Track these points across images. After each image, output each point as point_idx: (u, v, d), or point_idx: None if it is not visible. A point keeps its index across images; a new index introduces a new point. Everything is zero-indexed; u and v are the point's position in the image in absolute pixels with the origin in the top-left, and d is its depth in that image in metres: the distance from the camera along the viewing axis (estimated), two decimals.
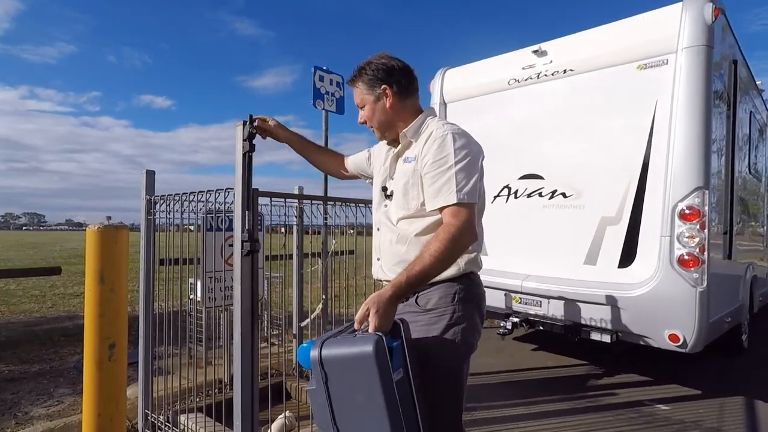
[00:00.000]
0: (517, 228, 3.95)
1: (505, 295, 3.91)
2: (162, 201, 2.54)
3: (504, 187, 4.10)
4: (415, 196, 1.48)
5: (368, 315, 1.25)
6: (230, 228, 2.36)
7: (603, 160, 3.55)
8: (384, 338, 1.19)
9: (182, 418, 2.63)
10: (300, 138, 1.90)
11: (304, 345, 1.25)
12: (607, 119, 3.58)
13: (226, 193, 2.06)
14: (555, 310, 3.64)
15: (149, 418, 2.67)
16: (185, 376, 2.75)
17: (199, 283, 2.83)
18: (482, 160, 1.49)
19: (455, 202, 1.36)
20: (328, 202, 2.56)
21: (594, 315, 3.45)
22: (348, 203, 2.51)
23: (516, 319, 3.82)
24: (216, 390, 3.05)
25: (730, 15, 3.56)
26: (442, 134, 1.43)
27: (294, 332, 3.55)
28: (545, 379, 3.99)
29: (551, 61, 3.88)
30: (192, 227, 2.69)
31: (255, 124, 1.78)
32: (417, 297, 1.46)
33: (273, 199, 2.15)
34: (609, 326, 3.38)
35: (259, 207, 1.99)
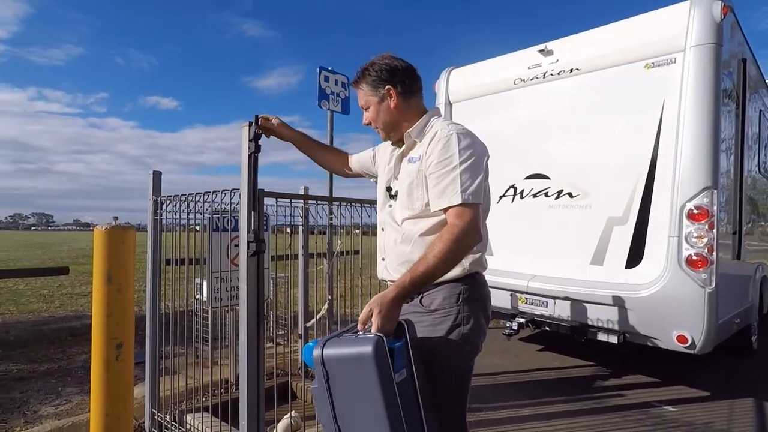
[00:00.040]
0: (522, 228, 3.93)
1: (511, 295, 3.89)
2: (168, 201, 2.56)
3: (510, 187, 4.09)
4: (420, 197, 1.47)
5: (371, 316, 1.25)
6: (236, 228, 2.37)
7: (610, 159, 3.52)
8: (385, 339, 1.19)
9: (188, 417, 2.64)
10: (304, 136, 1.90)
11: (310, 344, 1.26)
12: (614, 118, 3.55)
13: (232, 194, 2.07)
14: (561, 310, 3.62)
15: (156, 417, 2.68)
16: (191, 376, 2.77)
17: (205, 284, 2.84)
18: (487, 160, 1.48)
19: (460, 202, 1.36)
20: (334, 203, 2.56)
21: (601, 316, 3.42)
22: (353, 203, 2.51)
23: (522, 320, 3.80)
24: (222, 390, 3.07)
25: (738, 13, 3.53)
26: (447, 134, 1.42)
27: (299, 332, 3.56)
28: (551, 380, 3.97)
29: (557, 61, 3.86)
30: (198, 227, 2.70)
31: (258, 123, 1.79)
32: (421, 297, 1.46)
33: (278, 199, 2.15)
34: (616, 327, 3.35)
35: (265, 207, 2.00)
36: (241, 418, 1.89)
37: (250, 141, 1.81)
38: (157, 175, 2.64)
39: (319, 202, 2.51)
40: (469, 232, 1.34)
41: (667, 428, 3.01)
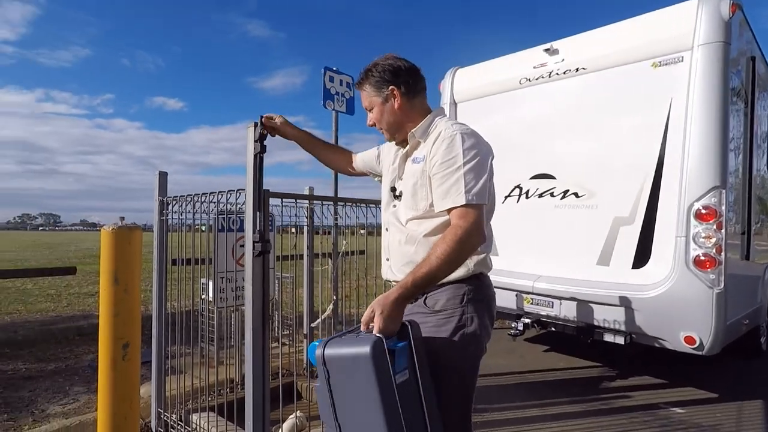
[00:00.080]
0: (528, 228, 3.92)
1: (517, 295, 3.87)
2: (174, 202, 2.57)
3: (515, 187, 4.07)
4: (424, 197, 1.47)
5: (374, 317, 1.26)
6: (242, 228, 2.37)
7: (616, 159, 3.50)
8: (384, 340, 1.20)
9: (194, 417, 2.65)
10: (308, 135, 1.90)
11: (315, 342, 1.28)
12: (620, 118, 3.53)
13: (238, 194, 2.07)
14: (567, 311, 3.60)
15: (162, 416, 2.70)
16: (197, 376, 2.78)
17: (210, 284, 2.85)
18: (491, 160, 1.47)
19: (464, 203, 1.35)
20: (339, 203, 2.57)
21: (607, 316, 3.40)
22: (358, 203, 2.51)
23: (527, 320, 3.78)
24: (228, 389, 3.08)
25: (747, 11, 3.49)
26: (451, 134, 1.42)
27: (305, 332, 3.56)
28: (557, 380, 3.95)
29: (563, 60, 3.84)
30: (204, 228, 2.71)
31: (258, 121, 1.79)
32: (425, 298, 1.46)
33: (284, 199, 2.16)
34: (623, 328, 3.33)
35: (270, 207, 2.00)
36: (247, 418, 1.90)
37: (255, 141, 1.81)
38: (163, 176, 2.65)
39: (324, 202, 2.52)
40: (472, 233, 1.33)
41: (675, 430, 2.98)
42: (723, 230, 2.97)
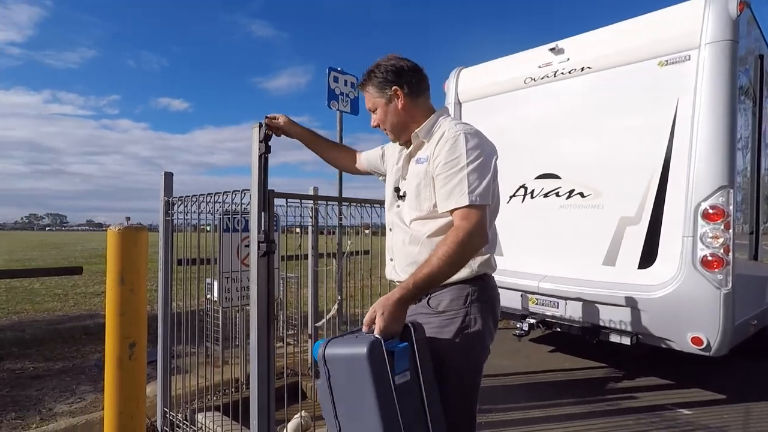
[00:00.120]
0: (533, 228, 3.90)
1: (522, 296, 3.86)
2: (180, 202, 2.58)
3: (520, 187, 4.05)
4: (428, 197, 1.46)
5: (376, 317, 1.26)
6: (246, 229, 2.38)
7: (622, 158, 3.47)
8: (385, 341, 1.21)
9: (200, 416, 2.66)
10: (312, 133, 1.89)
11: (320, 341, 1.30)
12: (626, 117, 3.50)
13: (243, 195, 2.08)
14: (573, 311, 3.58)
15: (168, 416, 2.71)
16: (203, 375, 2.79)
17: (216, 283, 2.86)
18: (495, 159, 1.46)
19: (467, 204, 1.34)
20: (343, 203, 2.57)
21: (613, 317, 3.38)
22: (362, 204, 2.51)
23: (532, 321, 3.76)
24: (233, 389, 3.09)
25: (755, 8, 3.46)
26: (455, 134, 1.41)
27: (309, 332, 3.57)
28: (563, 381, 3.93)
29: (568, 59, 3.81)
30: (209, 228, 2.72)
31: (263, 122, 1.79)
32: (429, 298, 1.45)
33: (288, 200, 2.16)
34: (629, 328, 3.31)
35: (275, 208, 2.01)
36: (252, 418, 1.90)
37: (260, 142, 1.82)
38: (168, 176, 2.67)
39: (328, 202, 2.52)
40: (474, 235, 1.32)
41: (682, 431, 2.96)
42: (731, 230, 2.94)
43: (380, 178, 1.89)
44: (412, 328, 1.31)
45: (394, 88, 1.52)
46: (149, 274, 2.25)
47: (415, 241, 1.49)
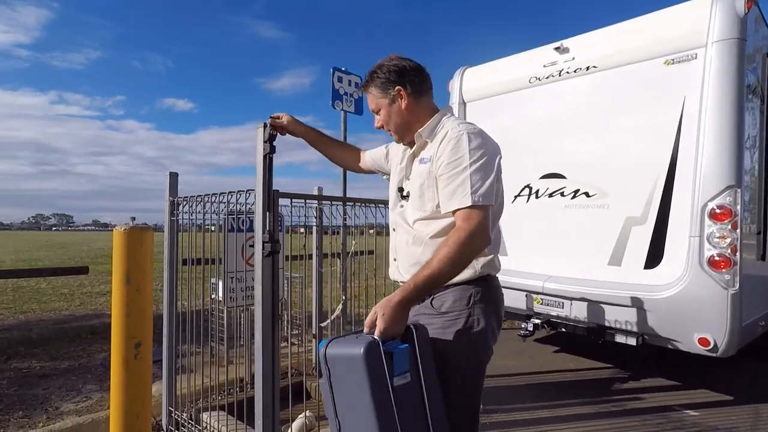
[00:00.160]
0: (538, 228, 3.88)
1: (526, 296, 3.84)
2: (185, 202, 2.59)
3: (525, 187, 4.04)
4: (431, 198, 1.46)
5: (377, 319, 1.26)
6: (251, 229, 2.38)
7: (628, 158, 3.45)
8: (384, 342, 1.22)
9: (205, 416, 2.67)
10: (316, 132, 1.89)
11: (324, 341, 1.31)
12: (632, 116, 3.48)
13: (247, 195, 2.08)
14: (578, 311, 3.57)
15: (173, 415, 2.72)
16: (207, 375, 2.79)
17: (220, 283, 2.87)
18: (499, 159, 1.45)
19: (469, 204, 1.33)
20: (348, 203, 2.56)
21: (619, 317, 3.36)
22: (367, 204, 2.51)
23: (537, 321, 3.75)
24: (237, 389, 3.09)
25: (764, 6, 3.43)
26: (457, 134, 1.40)
27: (314, 332, 3.57)
28: (568, 381, 3.91)
29: (573, 58, 3.80)
30: (214, 228, 2.73)
31: (267, 122, 1.79)
32: (432, 299, 1.45)
33: (293, 200, 2.16)
34: (635, 329, 3.29)
35: (280, 208, 2.01)
36: (257, 417, 1.90)
37: (264, 142, 1.82)
38: (173, 177, 2.67)
39: (333, 202, 2.52)
40: (476, 236, 1.31)
41: None
42: (738, 230, 2.92)
43: (384, 177, 1.89)
44: (414, 330, 1.30)
45: (397, 88, 1.51)
46: (154, 274, 2.26)
47: (419, 241, 1.48)
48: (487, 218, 1.35)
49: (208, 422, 2.61)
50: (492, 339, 1.47)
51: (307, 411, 2.63)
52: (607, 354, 4.47)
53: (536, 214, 3.91)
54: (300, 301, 4.67)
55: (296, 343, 4.20)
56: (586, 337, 3.62)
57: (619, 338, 3.39)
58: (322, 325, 3.31)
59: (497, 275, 1.55)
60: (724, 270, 2.92)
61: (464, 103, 4.57)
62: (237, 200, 2.19)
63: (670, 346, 3.25)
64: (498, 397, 3.38)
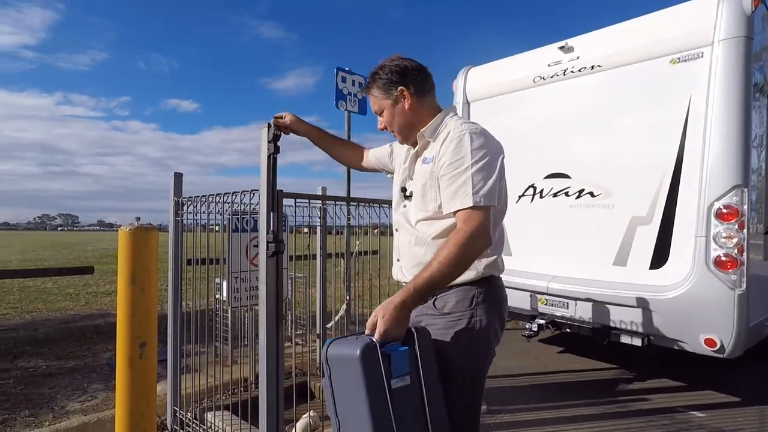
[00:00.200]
0: (542, 228, 3.87)
1: (531, 296, 3.83)
2: (189, 203, 2.60)
3: (529, 187, 4.02)
4: (433, 198, 1.45)
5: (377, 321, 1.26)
6: (255, 229, 2.38)
7: (633, 157, 3.43)
8: (382, 344, 1.22)
9: (209, 415, 2.68)
10: (319, 131, 1.89)
11: (328, 341, 1.32)
12: (638, 115, 3.46)
13: (252, 195, 2.09)
14: (583, 312, 3.55)
15: (177, 414, 2.73)
16: (212, 375, 2.80)
17: (225, 283, 2.88)
18: (502, 159, 1.43)
19: (471, 205, 1.32)
20: (351, 203, 2.56)
21: (624, 318, 3.34)
22: (371, 204, 2.51)
23: (542, 321, 3.73)
24: (242, 388, 3.10)
25: None
26: (459, 134, 1.39)
27: (318, 332, 3.57)
28: (572, 382, 3.89)
29: (578, 57, 3.78)
30: (218, 228, 2.74)
31: (271, 122, 1.79)
32: (435, 300, 1.44)
33: (297, 200, 2.17)
34: (640, 329, 3.27)
35: (284, 208, 2.01)
36: (261, 417, 1.91)
37: (268, 142, 1.82)
38: (178, 177, 2.68)
39: (337, 202, 2.52)
40: (476, 237, 1.30)
41: None
42: (745, 230, 2.89)
43: (388, 175, 1.88)
44: (415, 333, 1.30)
45: (400, 88, 1.51)
46: (159, 274, 2.27)
47: (421, 242, 1.48)
48: (488, 219, 1.34)
49: (213, 422, 2.62)
50: (494, 340, 1.47)
51: (311, 411, 2.63)
52: (612, 355, 4.45)
53: (541, 214, 3.89)
54: (304, 301, 4.68)
55: (300, 343, 4.20)
56: (591, 337, 3.60)
57: (625, 339, 3.37)
58: (328, 326, 3.31)
59: (501, 276, 1.54)
60: (730, 270, 2.90)
61: (468, 103, 4.56)
62: (241, 200, 2.20)
63: (675, 347, 3.22)
64: (502, 397, 3.37)
